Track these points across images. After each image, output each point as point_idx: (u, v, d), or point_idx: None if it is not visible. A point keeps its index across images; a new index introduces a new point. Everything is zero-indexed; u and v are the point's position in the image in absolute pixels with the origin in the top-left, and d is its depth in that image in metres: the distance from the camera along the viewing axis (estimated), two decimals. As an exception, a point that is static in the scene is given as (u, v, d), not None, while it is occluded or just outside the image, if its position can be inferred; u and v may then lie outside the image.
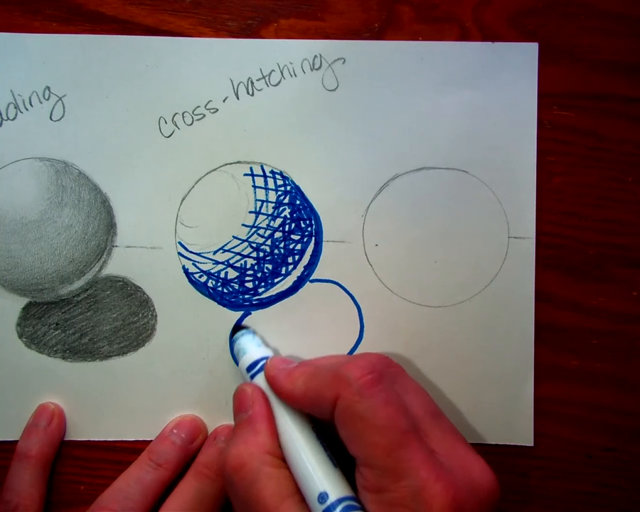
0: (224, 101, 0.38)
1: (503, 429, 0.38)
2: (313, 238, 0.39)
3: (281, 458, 0.32)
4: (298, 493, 0.30)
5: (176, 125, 0.38)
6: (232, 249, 0.39)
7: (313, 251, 0.39)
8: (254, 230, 0.39)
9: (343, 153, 0.38)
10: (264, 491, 0.30)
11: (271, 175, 0.39)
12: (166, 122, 0.38)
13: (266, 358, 0.35)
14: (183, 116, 0.38)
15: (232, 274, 0.39)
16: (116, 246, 0.38)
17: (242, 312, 0.39)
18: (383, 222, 0.39)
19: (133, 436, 0.38)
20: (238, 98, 0.38)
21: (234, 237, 0.39)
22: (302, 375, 0.33)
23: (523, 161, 0.38)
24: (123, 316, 0.38)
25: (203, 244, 0.39)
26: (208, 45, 0.38)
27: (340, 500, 0.29)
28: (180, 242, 0.39)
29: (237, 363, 0.37)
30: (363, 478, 0.29)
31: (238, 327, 0.38)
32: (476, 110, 0.38)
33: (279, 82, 0.38)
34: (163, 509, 0.36)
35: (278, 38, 0.38)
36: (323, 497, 0.29)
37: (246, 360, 0.36)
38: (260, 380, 0.35)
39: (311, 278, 0.39)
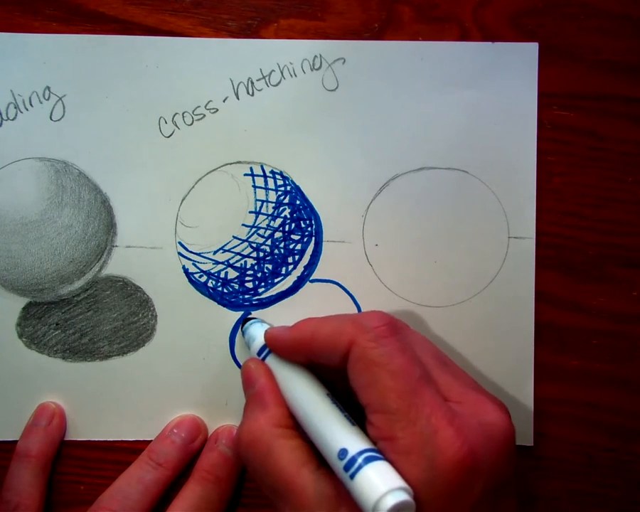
0: (224, 101, 0.38)
1: (503, 429, 0.38)
2: (313, 238, 0.39)
3: (292, 428, 0.32)
4: (313, 460, 0.31)
5: (176, 125, 0.38)
6: (232, 249, 0.39)
7: (313, 251, 0.39)
8: (254, 230, 0.39)
9: (343, 153, 0.38)
10: (279, 463, 0.31)
11: (271, 175, 0.39)
12: (166, 122, 0.38)
13: None
14: (183, 116, 0.38)
15: (232, 274, 0.39)
16: (116, 246, 0.38)
17: (242, 312, 0.39)
18: (383, 222, 0.39)
19: (133, 436, 0.38)
20: (238, 98, 0.38)
21: (234, 237, 0.39)
22: (308, 324, 0.33)
23: (523, 161, 0.38)
24: (123, 316, 0.38)
25: (203, 244, 0.39)
26: (208, 45, 0.38)
27: (360, 453, 0.29)
28: (180, 242, 0.39)
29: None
30: (375, 428, 0.29)
31: (247, 319, 0.38)
32: (476, 110, 0.38)
33: (279, 82, 0.38)
34: None
35: (278, 38, 0.38)
36: (343, 452, 0.29)
37: (256, 346, 0.35)
38: (269, 360, 0.34)
39: (311, 278, 0.39)
